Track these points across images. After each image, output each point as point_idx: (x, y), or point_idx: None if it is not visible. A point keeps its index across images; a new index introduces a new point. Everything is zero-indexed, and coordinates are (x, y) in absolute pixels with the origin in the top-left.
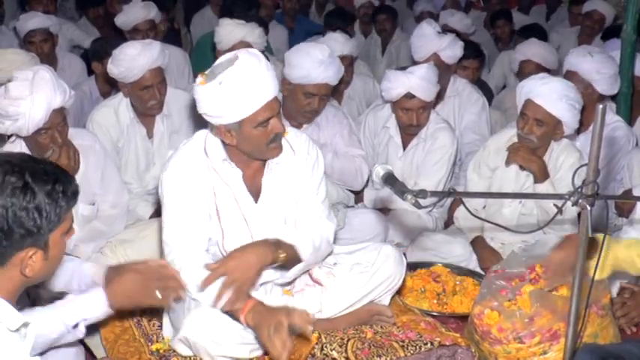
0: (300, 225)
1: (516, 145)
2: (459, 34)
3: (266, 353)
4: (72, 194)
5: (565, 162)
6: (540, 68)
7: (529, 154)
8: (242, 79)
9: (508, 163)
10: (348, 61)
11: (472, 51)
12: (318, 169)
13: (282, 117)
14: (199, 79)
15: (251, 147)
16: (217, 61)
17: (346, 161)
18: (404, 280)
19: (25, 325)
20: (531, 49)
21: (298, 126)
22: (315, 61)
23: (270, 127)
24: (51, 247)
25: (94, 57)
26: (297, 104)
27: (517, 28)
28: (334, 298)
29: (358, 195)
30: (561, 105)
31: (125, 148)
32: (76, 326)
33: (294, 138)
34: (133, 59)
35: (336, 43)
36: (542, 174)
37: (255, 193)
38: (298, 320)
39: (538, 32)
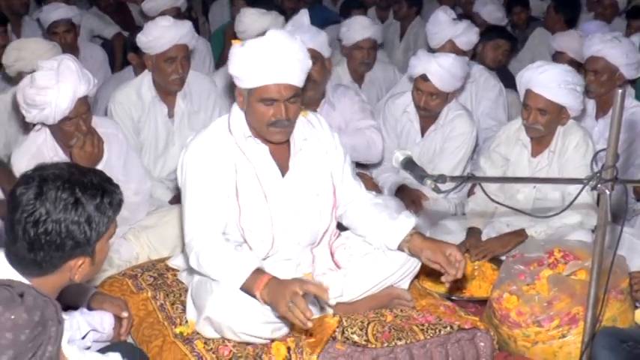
0: (346, 201)
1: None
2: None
3: (292, 328)
4: (117, 204)
5: (570, 142)
6: (573, 62)
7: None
8: (263, 50)
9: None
10: (370, 44)
11: (505, 33)
12: (341, 147)
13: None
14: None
15: (253, 120)
16: None
17: (356, 136)
18: (422, 264)
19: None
20: (566, 42)
21: (314, 106)
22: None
23: (274, 110)
24: (97, 253)
25: (131, 48)
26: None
27: (534, 14)
28: (355, 282)
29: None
30: (561, 91)
31: (145, 127)
32: (84, 337)
33: (314, 118)
34: (164, 30)
35: (359, 25)
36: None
37: (281, 168)
38: (313, 289)
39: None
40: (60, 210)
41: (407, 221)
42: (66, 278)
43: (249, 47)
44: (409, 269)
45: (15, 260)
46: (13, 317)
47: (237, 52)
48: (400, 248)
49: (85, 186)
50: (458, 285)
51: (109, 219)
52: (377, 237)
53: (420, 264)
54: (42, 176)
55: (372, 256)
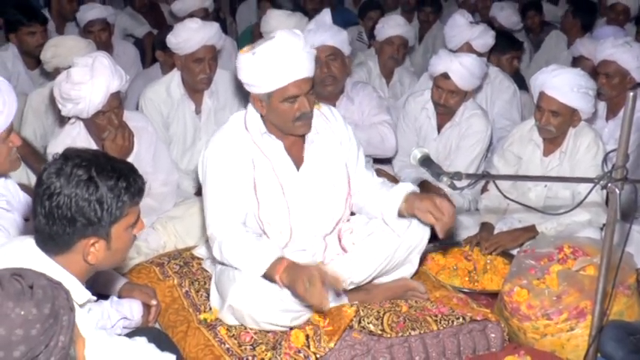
0: (359, 189)
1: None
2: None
3: (317, 311)
4: (136, 191)
5: (582, 143)
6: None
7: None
8: (275, 54)
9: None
10: (400, 41)
11: (512, 43)
12: (354, 138)
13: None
14: (243, 49)
15: (278, 120)
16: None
17: (370, 131)
18: (437, 259)
19: (90, 300)
20: (586, 47)
21: (333, 100)
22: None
23: (297, 105)
24: (114, 238)
25: (159, 46)
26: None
27: (546, 19)
28: (362, 263)
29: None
30: (574, 95)
31: (174, 122)
32: (114, 325)
33: (327, 111)
34: (192, 32)
35: (393, 22)
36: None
37: (296, 162)
38: (330, 278)
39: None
40: (72, 185)
41: (403, 186)
42: (82, 260)
43: (262, 54)
44: (415, 241)
45: (39, 238)
46: (22, 313)
47: (249, 60)
48: (401, 215)
49: (103, 168)
50: (471, 279)
51: (123, 203)
52: (377, 209)
53: (427, 236)
54: (66, 155)
55: (375, 235)
